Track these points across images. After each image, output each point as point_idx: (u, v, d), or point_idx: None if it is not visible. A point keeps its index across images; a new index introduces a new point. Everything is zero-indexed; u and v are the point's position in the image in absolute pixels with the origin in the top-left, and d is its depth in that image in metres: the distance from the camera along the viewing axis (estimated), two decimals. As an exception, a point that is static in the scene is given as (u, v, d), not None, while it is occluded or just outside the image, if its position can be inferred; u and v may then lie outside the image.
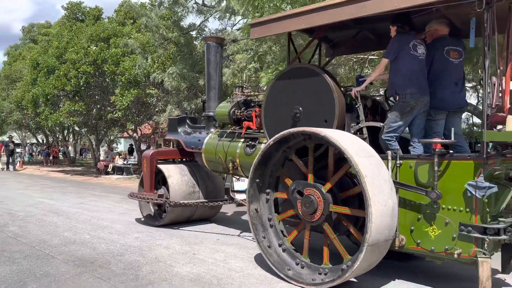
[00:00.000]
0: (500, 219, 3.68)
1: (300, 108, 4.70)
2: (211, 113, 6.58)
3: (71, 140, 31.64)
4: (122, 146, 35.12)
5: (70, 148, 31.92)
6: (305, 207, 4.19)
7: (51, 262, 4.71)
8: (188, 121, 7.19)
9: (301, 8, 4.65)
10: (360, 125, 4.46)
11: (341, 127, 4.47)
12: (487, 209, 3.61)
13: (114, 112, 16.40)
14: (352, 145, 3.88)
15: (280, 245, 4.49)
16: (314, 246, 4.52)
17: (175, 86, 12.55)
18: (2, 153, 22.03)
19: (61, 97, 17.76)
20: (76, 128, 23.93)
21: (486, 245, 3.50)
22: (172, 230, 6.45)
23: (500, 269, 3.95)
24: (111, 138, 30.05)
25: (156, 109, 16.78)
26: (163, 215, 6.76)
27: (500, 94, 3.78)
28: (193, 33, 13.87)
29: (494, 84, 3.74)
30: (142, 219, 7.15)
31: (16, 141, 47.95)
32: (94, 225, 6.74)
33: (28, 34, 31.03)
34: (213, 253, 5.12)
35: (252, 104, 6.02)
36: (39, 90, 17.31)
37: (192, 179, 6.86)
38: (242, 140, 5.82)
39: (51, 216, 7.47)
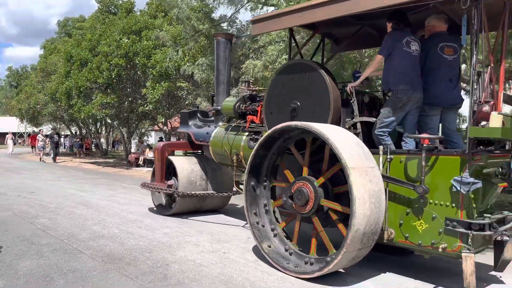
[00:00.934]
0: (485, 215, 3.78)
1: (298, 103, 4.83)
2: (219, 107, 6.76)
3: (103, 132, 32.23)
4: (152, 139, 35.53)
5: (102, 140, 32.52)
6: (298, 200, 4.28)
7: (78, 257, 4.57)
8: (199, 114, 7.46)
9: (299, 5, 4.78)
10: (354, 120, 4.54)
11: (337, 121, 4.57)
12: (474, 204, 3.72)
13: (145, 105, 16.44)
14: (313, 124, 4.17)
15: (306, 263, 4.28)
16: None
17: (205, 79, 12.35)
18: (47, 145, 21.93)
19: (94, 90, 17.95)
20: (109, 121, 24.26)
21: (470, 240, 3.54)
22: (201, 226, 6.24)
23: (493, 267, 3.97)
24: (142, 131, 30.38)
25: (186, 102, 16.69)
26: (173, 205, 6.96)
27: (490, 91, 3.81)
28: (224, 24, 13.61)
29: (485, 80, 3.74)
30: (154, 208, 7.38)
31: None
32: (123, 219, 6.62)
33: (63, 28, 31.75)
34: (244, 253, 4.86)
35: (258, 99, 6.13)
36: (72, 83, 17.54)
37: (201, 170, 7.07)
38: (246, 133, 5.98)
39: (81, 209, 7.42)
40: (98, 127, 30.13)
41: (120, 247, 5.01)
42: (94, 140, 30.78)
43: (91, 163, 20.97)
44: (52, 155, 21.44)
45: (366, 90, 5.31)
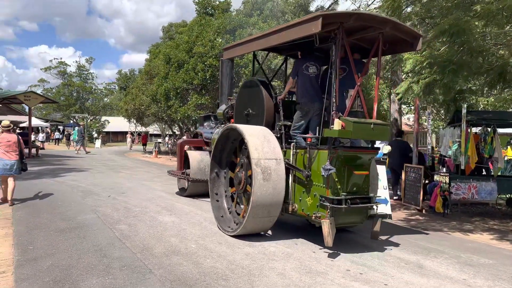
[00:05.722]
0: (343, 193, 4.92)
1: (250, 110, 6.34)
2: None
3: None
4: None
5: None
6: (237, 181, 5.96)
7: (146, 279, 3.96)
8: (212, 118, 9.37)
9: (251, 36, 6.51)
10: (279, 123, 5.94)
11: (271, 125, 6.06)
12: (338, 186, 4.99)
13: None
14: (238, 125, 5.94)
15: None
16: None
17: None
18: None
19: (189, 91, 18.12)
20: (205, 121, 24.56)
21: (328, 210, 4.83)
22: (289, 248, 5.29)
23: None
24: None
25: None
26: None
27: (360, 103, 5.35)
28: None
29: (351, 95, 5.28)
30: (177, 191, 9.54)
31: (157, 132, 52.69)
32: (204, 230, 5.99)
33: (167, 34, 33.28)
34: (341, 293, 3.85)
35: None
36: (170, 84, 17.89)
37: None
38: None
39: (163, 214, 6.99)
40: (197, 127, 30.95)
41: (194, 269, 4.31)
42: (192, 140, 31.58)
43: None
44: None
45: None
